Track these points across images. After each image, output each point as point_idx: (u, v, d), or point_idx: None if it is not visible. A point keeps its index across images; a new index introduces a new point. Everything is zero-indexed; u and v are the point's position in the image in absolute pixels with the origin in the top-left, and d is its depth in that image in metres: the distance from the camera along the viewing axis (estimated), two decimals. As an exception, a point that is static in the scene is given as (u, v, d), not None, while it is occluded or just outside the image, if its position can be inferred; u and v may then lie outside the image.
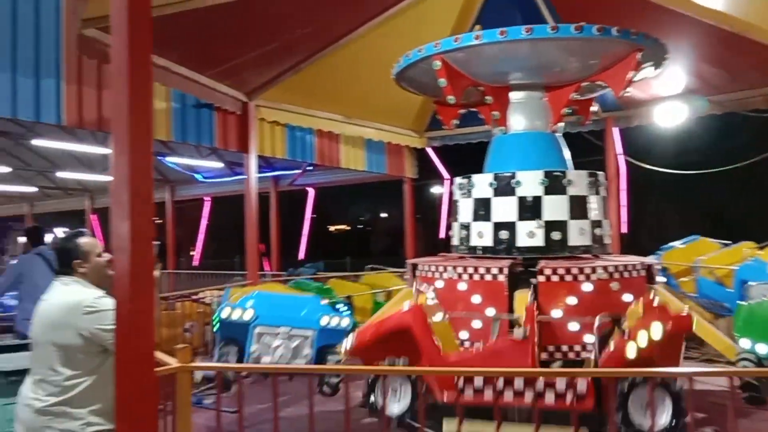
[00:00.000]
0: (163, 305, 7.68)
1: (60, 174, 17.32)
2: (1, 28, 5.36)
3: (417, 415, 3.67)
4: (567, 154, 5.24)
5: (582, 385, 3.66)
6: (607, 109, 8.92)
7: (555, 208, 4.68)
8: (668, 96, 8.37)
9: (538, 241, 4.62)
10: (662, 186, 18.55)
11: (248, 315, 4.88)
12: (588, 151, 9.40)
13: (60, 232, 12.93)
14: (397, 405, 3.96)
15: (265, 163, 13.90)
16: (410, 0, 7.20)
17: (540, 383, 3.66)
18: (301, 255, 15.82)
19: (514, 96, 5.22)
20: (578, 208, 4.72)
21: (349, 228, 35.44)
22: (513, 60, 4.86)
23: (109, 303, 2.51)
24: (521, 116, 5.18)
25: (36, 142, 13.35)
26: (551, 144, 5.17)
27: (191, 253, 20.42)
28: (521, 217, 4.72)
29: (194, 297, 8.47)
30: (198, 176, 16.00)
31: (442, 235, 12.59)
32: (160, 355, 2.65)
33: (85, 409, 2.55)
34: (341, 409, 3.38)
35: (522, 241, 4.69)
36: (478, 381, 3.79)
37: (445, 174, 12.49)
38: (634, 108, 8.88)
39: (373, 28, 7.40)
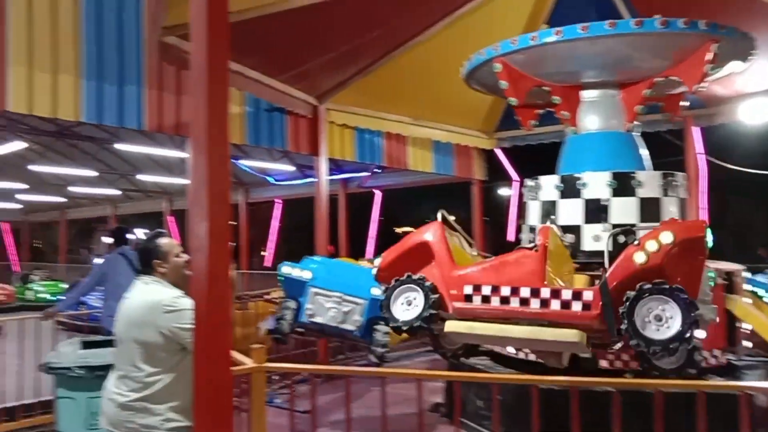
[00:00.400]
0: (237, 304, 7.90)
1: (141, 177, 18.15)
2: (87, 38, 5.67)
3: (428, 322, 4.04)
4: (644, 153, 5.03)
5: (588, 294, 3.65)
6: (687, 107, 8.52)
7: (623, 210, 4.51)
8: (755, 92, 7.91)
9: (604, 245, 4.32)
10: (747, 187, 17.56)
11: (307, 275, 5.22)
12: (667, 151, 9.00)
13: (141, 233, 13.52)
14: (408, 313, 4.16)
15: (335, 166, 14.07)
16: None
17: (546, 292, 3.71)
18: (369, 256, 15.93)
19: (587, 95, 5.06)
20: (650, 210, 4.52)
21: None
22: (587, 57, 4.72)
23: (187, 303, 2.59)
24: (594, 115, 5.02)
25: (119, 146, 14.01)
26: (624, 143, 4.98)
27: (263, 253, 20.92)
28: (587, 220, 4.58)
29: (267, 297, 8.66)
30: (270, 179, 16.38)
31: (510, 237, 12.38)
32: (235, 354, 2.71)
33: (164, 405, 2.63)
34: (412, 412, 3.37)
35: (587, 245, 4.54)
36: (486, 290, 3.92)
37: (514, 176, 12.28)
38: (717, 105, 8.44)
39: (442, 29, 7.37)
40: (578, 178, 4.62)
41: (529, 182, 5.04)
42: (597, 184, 4.56)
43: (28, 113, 5.48)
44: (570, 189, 4.66)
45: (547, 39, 4.53)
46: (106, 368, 3.95)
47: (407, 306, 4.16)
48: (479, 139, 10.34)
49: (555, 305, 3.70)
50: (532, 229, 4.93)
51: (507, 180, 13.20)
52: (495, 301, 3.86)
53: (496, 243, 15.54)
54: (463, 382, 4.16)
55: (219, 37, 2.47)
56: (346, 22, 6.40)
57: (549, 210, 4.77)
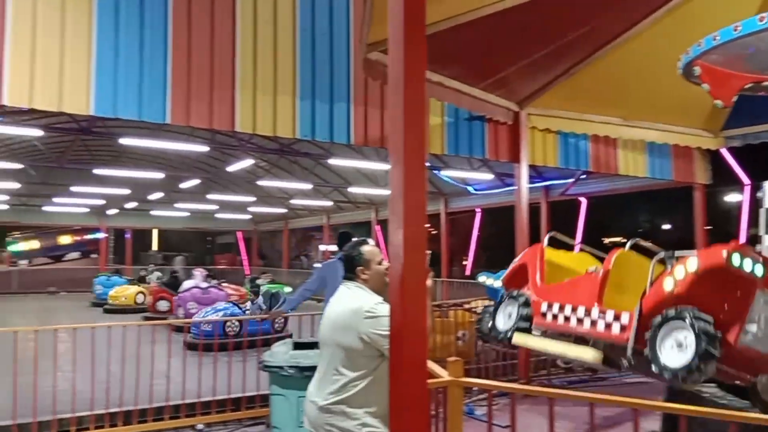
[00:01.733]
0: (437, 313, 7.98)
1: (351, 189, 19.36)
2: (302, 61, 6.16)
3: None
4: None
5: (625, 317, 3.90)
6: None
7: None
8: None
9: None
10: None
11: (497, 284, 6.04)
12: None
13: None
14: (504, 323, 4.97)
15: (536, 173, 13.67)
16: (702, -16, 6.36)
17: (595, 313, 4.09)
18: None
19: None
20: None
21: (625, 240, 32.89)
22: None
23: (386, 309, 2.62)
24: None
25: (332, 161, 15.07)
26: None
27: (463, 262, 21.05)
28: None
29: (466, 306, 8.63)
30: (470, 188, 16.43)
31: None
32: (432, 366, 2.68)
33: (361, 409, 2.67)
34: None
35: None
36: (555, 308, 4.46)
37: (745, 179, 10.81)
38: None
39: (655, 21, 6.72)
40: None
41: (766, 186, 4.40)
42: None
43: (253, 132, 6.08)
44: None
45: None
46: (314, 369, 4.22)
47: (507, 318, 4.94)
48: (703, 138, 9.16)
49: (600, 326, 4.05)
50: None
51: (736, 184, 11.67)
52: (560, 319, 4.39)
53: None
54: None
55: (415, 49, 2.47)
56: (544, 25, 6.12)
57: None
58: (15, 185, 18.61)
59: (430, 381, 2.46)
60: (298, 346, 4.67)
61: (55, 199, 23.39)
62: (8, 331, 5.79)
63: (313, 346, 4.58)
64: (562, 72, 7.33)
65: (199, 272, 14.43)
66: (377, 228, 21.79)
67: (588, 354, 4.11)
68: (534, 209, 10.69)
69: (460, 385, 2.72)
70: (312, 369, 4.21)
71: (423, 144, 2.44)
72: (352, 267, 2.93)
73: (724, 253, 3.41)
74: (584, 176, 12.86)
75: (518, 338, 4.74)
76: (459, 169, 14.83)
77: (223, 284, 15.61)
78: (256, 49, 5.96)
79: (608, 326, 4.00)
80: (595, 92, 7.83)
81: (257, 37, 5.97)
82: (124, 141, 13.00)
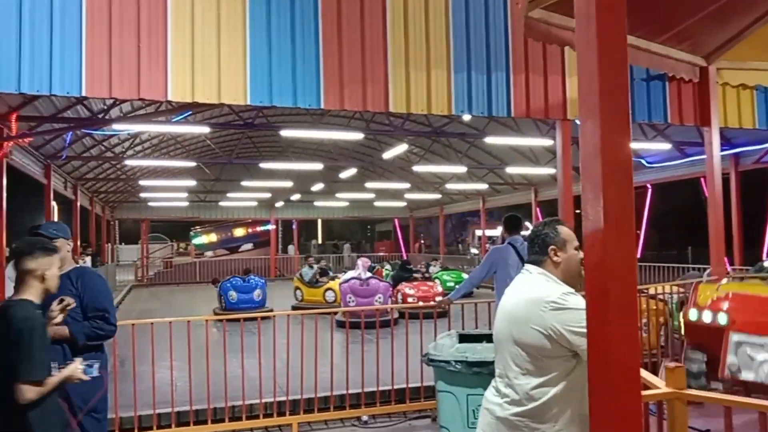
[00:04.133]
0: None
1: (508, 169, 18.57)
2: (455, 31, 5.72)
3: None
4: None
5: None
6: None
7: None
8: None
9: None
10: None
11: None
12: None
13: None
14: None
15: (723, 140, 12.02)
16: None
17: None
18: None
19: None
20: None
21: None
22: None
23: (579, 302, 2.12)
24: None
25: (488, 139, 14.46)
26: None
27: (634, 243, 19.42)
28: None
29: (650, 291, 7.72)
30: (643, 161, 14.97)
31: None
32: (645, 373, 2.13)
33: (552, 425, 2.18)
34: None
35: None
36: None
37: None
38: None
39: None
40: None
41: None
42: None
43: (407, 112, 5.77)
44: None
45: None
46: (484, 365, 3.80)
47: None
48: None
49: None
50: None
51: None
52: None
53: None
54: None
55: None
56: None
57: None
58: (192, 182, 20.27)
59: (644, 393, 1.92)
60: (463, 338, 4.27)
61: (229, 194, 25.20)
62: (200, 319, 6.39)
63: (479, 338, 4.17)
64: (761, 15, 6.16)
65: (361, 262, 13.31)
66: (537, 210, 20.77)
67: None
68: (722, 181, 9.34)
69: (684, 399, 2.12)
70: (481, 364, 3.82)
71: (626, 114, 1.92)
72: (544, 247, 2.40)
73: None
74: (784, 140, 11.06)
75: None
76: (631, 140, 13.51)
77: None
78: (407, 23, 5.65)
79: None
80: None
81: (407, 9, 5.65)
82: (284, 133, 13.45)
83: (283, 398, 5.90)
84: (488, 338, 3.95)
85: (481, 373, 3.73)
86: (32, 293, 2.86)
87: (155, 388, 5.49)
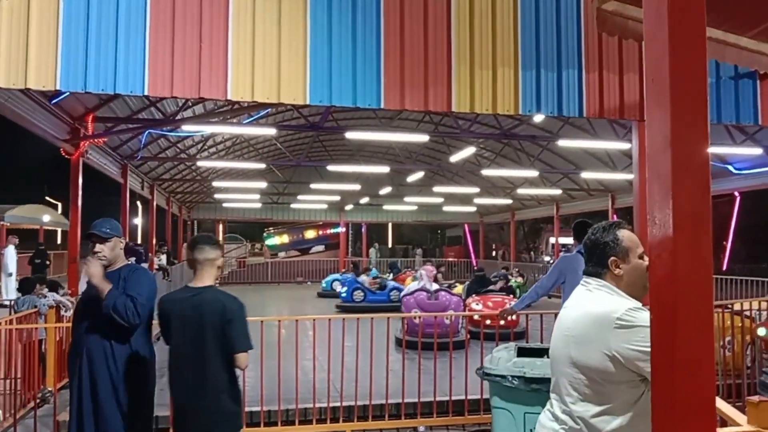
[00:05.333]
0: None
1: (583, 175, 17.85)
2: (523, 28, 5.46)
3: None
4: None
5: None
6: None
7: None
8: None
9: None
10: None
11: None
12: None
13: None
14: None
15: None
16: None
17: None
18: None
19: None
20: None
21: None
22: None
23: (648, 318, 1.84)
24: None
25: (561, 143, 13.92)
26: None
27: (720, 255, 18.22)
28: None
29: (734, 308, 7.15)
30: (730, 167, 14.01)
31: None
32: (723, 405, 1.82)
33: None
34: None
35: None
36: None
37: None
38: None
39: None
40: None
41: None
42: None
43: (470, 111, 5.55)
44: None
45: None
46: (543, 381, 3.51)
47: None
48: None
49: None
50: None
51: None
52: None
53: None
54: None
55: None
56: None
57: None
58: (263, 184, 20.65)
59: (721, 430, 1.63)
60: (522, 351, 3.98)
61: (300, 197, 25.55)
62: (273, 320, 6.38)
63: (540, 353, 3.88)
64: None
65: (425, 271, 11.31)
66: (614, 218, 19.88)
67: None
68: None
69: (771, 439, 1.81)
70: (540, 381, 3.54)
71: (705, 109, 1.65)
72: (602, 258, 2.10)
73: None
74: None
75: None
76: (717, 144, 12.57)
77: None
78: (472, 20, 5.43)
79: None
80: None
81: (473, 6, 5.43)
82: (349, 135, 13.43)
83: (338, 404, 5.77)
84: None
85: (540, 390, 3.46)
86: (213, 279, 3.26)
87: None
